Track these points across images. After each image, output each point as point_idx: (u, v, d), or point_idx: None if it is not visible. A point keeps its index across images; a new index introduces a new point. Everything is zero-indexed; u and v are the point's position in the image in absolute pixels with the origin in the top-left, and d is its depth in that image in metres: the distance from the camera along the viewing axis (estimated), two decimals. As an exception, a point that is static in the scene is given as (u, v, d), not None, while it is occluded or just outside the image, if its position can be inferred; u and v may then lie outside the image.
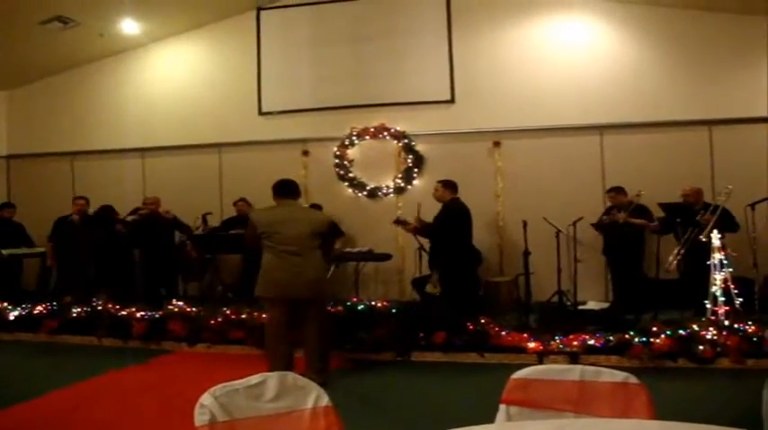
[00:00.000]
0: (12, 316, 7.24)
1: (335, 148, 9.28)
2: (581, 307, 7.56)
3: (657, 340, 5.44)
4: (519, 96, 8.75)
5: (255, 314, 6.26)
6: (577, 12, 8.72)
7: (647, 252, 7.44)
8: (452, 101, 9.01)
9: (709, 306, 6.07)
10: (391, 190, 9.15)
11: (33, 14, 8.49)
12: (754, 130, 8.12)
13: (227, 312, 6.60)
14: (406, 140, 9.08)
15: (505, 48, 8.91)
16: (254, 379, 2.24)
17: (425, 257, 7.63)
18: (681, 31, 8.34)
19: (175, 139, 9.79)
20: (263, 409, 2.21)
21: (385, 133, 9.16)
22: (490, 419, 2.34)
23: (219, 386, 2.17)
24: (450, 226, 6.91)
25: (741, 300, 6.14)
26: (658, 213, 7.29)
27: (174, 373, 5.75)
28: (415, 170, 9.07)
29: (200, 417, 2.06)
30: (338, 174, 9.29)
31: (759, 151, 8.04)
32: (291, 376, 2.30)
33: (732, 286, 6.10)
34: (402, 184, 9.10)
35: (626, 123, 8.42)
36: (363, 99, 9.20)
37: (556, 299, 7.61)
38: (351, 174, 9.27)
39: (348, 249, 8.33)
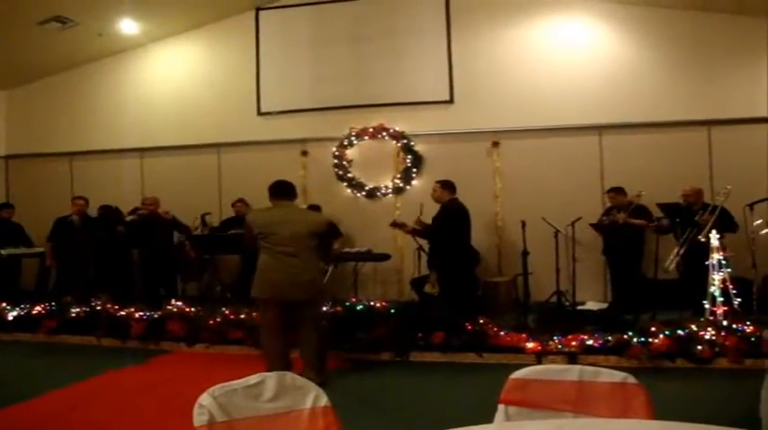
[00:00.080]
0: (10, 316, 7.24)
1: (334, 149, 9.27)
2: (580, 307, 7.56)
3: (656, 340, 5.44)
4: (518, 97, 8.76)
5: (254, 314, 6.25)
6: (577, 12, 8.72)
7: (646, 252, 7.44)
8: (451, 101, 9.02)
9: (707, 306, 6.09)
10: (390, 190, 9.15)
11: (32, 14, 8.48)
12: (753, 131, 8.13)
13: (226, 312, 6.60)
14: (404, 140, 9.08)
15: (504, 48, 8.92)
16: (253, 379, 2.24)
17: (424, 257, 7.63)
18: (680, 32, 8.34)
19: (174, 140, 9.79)
20: (261, 409, 2.21)
21: (384, 133, 9.16)
22: (489, 419, 2.34)
23: (218, 386, 2.17)
24: (448, 226, 6.90)
25: (739, 300, 6.16)
26: (657, 214, 7.30)
27: (173, 373, 5.74)
28: (414, 170, 9.07)
29: (198, 417, 2.06)
30: (337, 174, 9.29)
31: (758, 151, 8.04)
32: (290, 376, 2.30)
33: (731, 286, 6.11)
34: (401, 185, 9.11)
35: (625, 123, 8.42)
36: (362, 99, 9.20)
37: (554, 299, 7.62)
38: (350, 175, 9.27)
39: (347, 249, 8.33)
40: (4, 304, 7.46)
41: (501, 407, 2.34)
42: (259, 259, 5.12)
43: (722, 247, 6.23)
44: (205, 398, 2.11)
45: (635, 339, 5.50)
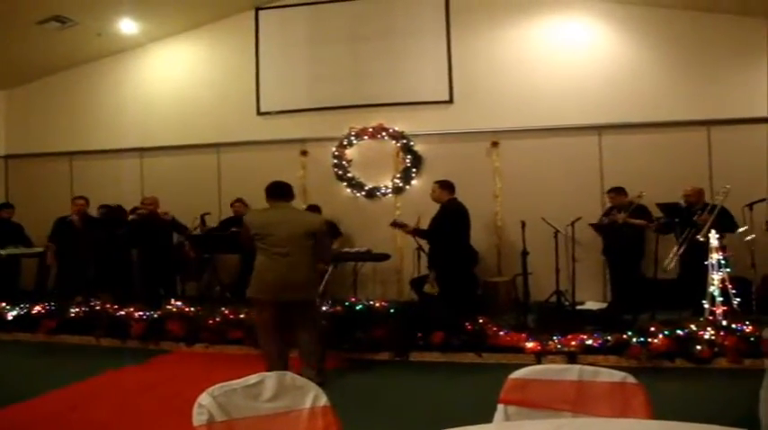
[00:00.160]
0: (10, 316, 7.23)
1: (334, 148, 9.28)
2: (579, 307, 7.56)
3: (655, 340, 5.44)
4: (517, 96, 8.76)
5: (253, 314, 6.25)
6: (576, 12, 8.72)
7: (646, 252, 7.44)
8: (451, 101, 9.02)
9: (706, 306, 6.09)
10: (389, 190, 9.15)
11: (31, 14, 8.48)
12: (752, 131, 8.13)
13: (226, 312, 6.60)
14: (404, 140, 9.08)
15: (504, 48, 8.92)
16: (253, 378, 2.25)
17: (424, 257, 7.62)
18: (679, 32, 8.35)
19: (174, 139, 9.79)
20: (261, 409, 2.21)
21: (383, 133, 9.16)
22: (488, 419, 2.34)
23: (218, 386, 2.17)
24: (448, 226, 6.91)
25: (739, 300, 6.16)
26: (657, 214, 7.30)
27: (173, 373, 5.74)
28: (414, 170, 9.07)
29: (198, 417, 2.06)
30: (336, 174, 9.29)
31: (757, 151, 8.05)
32: (290, 376, 2.30)
33: (730, 286, 6.12)
34: (400, 184, 9.11)
35: (624, 123, 8.42)
36: (362, 99, 9.20)
37: (554, 299, 7.62)
38: (349, 175, 9.27)
39: (346, 249, 8.33)
40: (3, 304, 7.46)
41: (500, 406, 2.34)
42: (256, 260, 5.11)
43: (722, 247, 6.23)
44: (204, 398, 2.11)
45: (634, 339, 5.51)
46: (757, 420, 3.26)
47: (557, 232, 7.52)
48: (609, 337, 5.61)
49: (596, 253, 8.07)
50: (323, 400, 2.25)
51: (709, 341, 5.38)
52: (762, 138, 8.08)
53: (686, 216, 6.92)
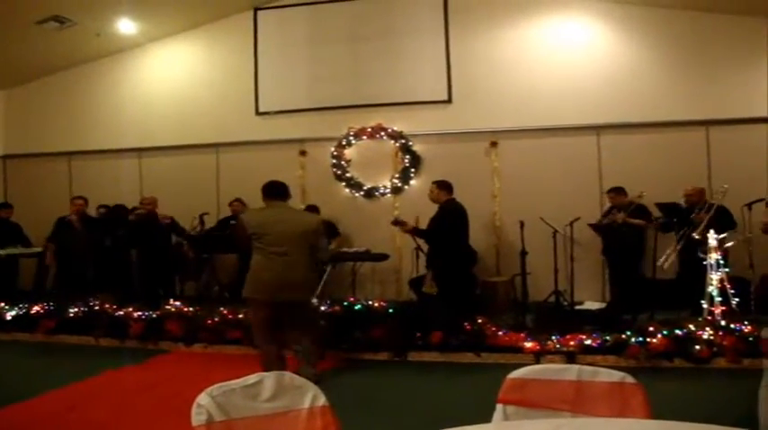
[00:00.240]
0: (9, 316, 7.23)
1: (333, 148, 9.28)
2: (578, 307, 7.55)
3: (654, 340, 5.45)
4: (516, 96, 8.76)
5: (249, 314, 6.24)
6: (575, 12, 8.73)
7: (647, 253, 7.43)
8: (449, 101, 9.02)
9: (705, 306, 6.10)
10: (388, 190, 9.15)
11: (30, 14, 8.47)
12: (751, 131, 8.14)
13: (224, 312, 6.60)
14: (403, 140, 9.08)
15: (503, 48, 8.92)
16: (251, 378, 2.24)
17: (422, 257, 7.62)
18: (678, 32, 8.35)
19: (173, 139, 9.78)
20: (259, 409, 2.20)
21: (382, 133, 9.16)
22: (487, 419, 2.34)
23: (216, 386, 2.17)
24: (446, 226, 6.90)
25: (737, 300, 6.17)
26: (657, 213, 7.30)
27: (172, 373, 5.74)
28: (412, 170, 9.07)
29: (197, 417, 2.06)
30: (335, 174, 9.29)
31: (756, 151, 8.06)
32: (288, 376, 2.30)
33: (728, 286, 6.12)
34: (399, 184, 9.11)
35: (623, 123, 8.43)
36: (360, 99, 9.20)
37: (553, 299, 7.62)
38: (348, 175, 9.27)
39: (345, 249, 8.33)
40: (2, 304, 7.45)
41: (499, 406, 2.34)
42: (252, 259, 5.10)
43: (722, 243, 6.23)
44: (203, 398, 2.10)
45: (633, 339, 5.51)
46: (756, 420, 3.26)
47: (555, 232, 7.52)
48: (608, 337, 5.61)
49: (595, 253, 8.08)
50: (321, 400, 2.25)
51: (707, 341, 5.38)
52: (761, 138, 8.09)
53: (685, 215, 6.93)
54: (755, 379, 3.48)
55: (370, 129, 9.18)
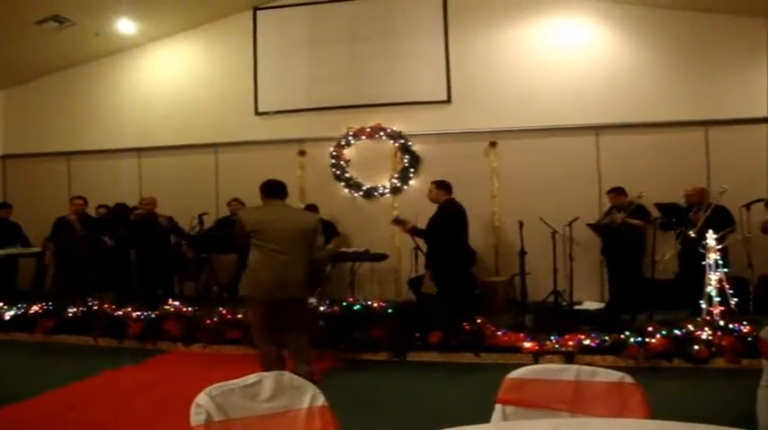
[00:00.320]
0: (7, 315, 7.22)
1: (332, 148, 9.28)
2: (577, 307, 7.55)
3: (653, 340, 5.45)
4: (515, 96, 8.76)
5: (248, 313, 6.24)
6: (574, 12, 8.73)
7: (646, 253, 7.43)
8: (449, 101, 9.02)
9: (704, 306, 6.10)
10: (387, 190, 9.16)
11: (29, 14, 8.47)
12: (750, 131, 8.14)
13: (223, 312, 6.60)
14: (402, 140, 9.09)
15: (502, 48, 8.92)
16: (250, 378, 2.24)
17: (421, 257, 7.63)
18: (677, 32, 8.36)
19: (172, 139, 9.78)
20: (258, 409, 2.20)
21: (381, 133, 9.16)
22: (486, 419, 2.34)
23: (215, 386, 2.17)
24: (445, 226, 6.90)
25: (736, 300, 6.17)
26: (656, 214, 7.31)
27: (170, 373, 5.74)
28: (412, 170, 9.08)
29: (195, 417, 2.06)
30: (334, 174, 9.30)
31: (755, 152, 8.07)
32: (287, 376, 2.30)
33: (727, 286, 6.12)
34: (398, 184, 9.11)
35: (622, 124, 8.43)
36: (360, 99, 9.21)
37: (552, 299, 7.62)
38: (347, 175, 9.27)
39: (344, 249, 8.34)
40: (1, 304, 7.44)
41: (498, 406, 2.34)
42: (250, 257, 5.08)
43: (720, 241, 6.23)
44: (202, 398, 2.10)
45: (632, 339, 5.51)
46: (755, 420, 3.27)
47: (554, 232, 7.52)
48: (606, 337, 5.62)
49: (594, 253, 8.09)
50: (320, 400, 2.25)
51: (706, 341, 5.39)
52: (760, 139, 8.10)
53: (684, 215, 6.94)
54: (754, 379, 3.48)
55: (369, 129, 9.18)
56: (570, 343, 5.62)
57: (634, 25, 8.51)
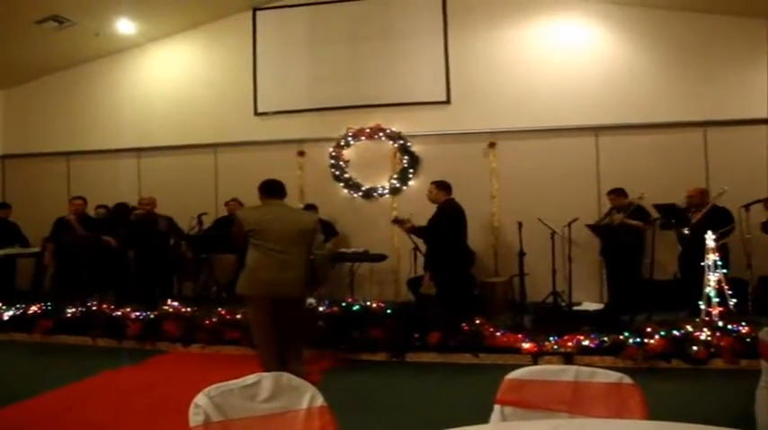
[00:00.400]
0: (6, 316, 7.22)
1: (331, 149, 9.28)
2: (576, 307, 7.57)
3: (651, 341, 5.46)
4: (514, 97, 8.77)
5: (248, 312, 6.24)
6: (574, 13, 8.73)
7: (645, 254, 7.43)
8: (448, 102, 9.03)
9: (703, 307, 6.10)
10: (387, 190, 9.16)
11: (29, 14, 8.47)
12: (748, 132, 8.15)
13: (222, 312, 6.60)
14: (401, 141, 9.09)
15: (501, 49, 8.93)
16: (249, 379, 2.24)
17: (420, 258, 7.62)
18: (677, 33, 8.37)
19: (171, 139, 9.78)
20: (257, 410, 2.20)
21: (380, 134, 9.16)
22: (485, 420, 2.34)
23: (214, 386, 2.16)
24: (445, 226, 6.91)
25: (735, 301, 6.18)
26: (655, 214, 7.31)
27: (169, 374, 5.74)
28: (411, 171, 9.08)
29: (194, 418, 2.06)
30: (334, 174, 9.30)
31: (754, 152, 8.07)
32: (286, 376, 2.30)
33: (726, 287, 6.13)
34: (397, 185, 9.11)
35: (621, 124, 8.43)
36: (359, 99, 9.21)
37: (551, 299, 7.62)
38: (346, 175, 9.27)
39: (343, 250, 8.33)
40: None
41: (497, 407, 2.34)
42: (248, 256, 5.07)
43: (718, 239, 6.24)
44: (201, 399, 2.10)
45: (631, 340, 5.52)
46: (753, 421, 3.27)
47: (553, 233, 7.52)
48: (605, 338, 5.62)
49: (593, 254, 8.09)
50: (319, 401, 2.25)
51: (705, 342, 5.39)
52: (759, 140, 8.10)
53: (683, 216, 6.95)
54: (753, 379, 3.48)
55: (368, 130, 9.18)
56: (569, 343, 5.63)
57: (633, 26, 8.52)
